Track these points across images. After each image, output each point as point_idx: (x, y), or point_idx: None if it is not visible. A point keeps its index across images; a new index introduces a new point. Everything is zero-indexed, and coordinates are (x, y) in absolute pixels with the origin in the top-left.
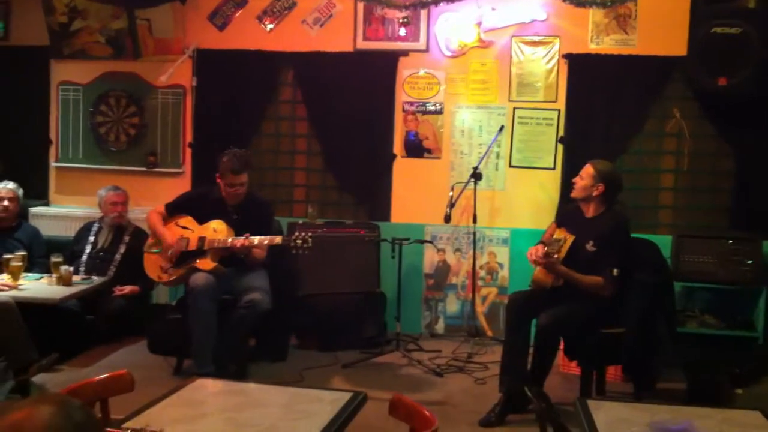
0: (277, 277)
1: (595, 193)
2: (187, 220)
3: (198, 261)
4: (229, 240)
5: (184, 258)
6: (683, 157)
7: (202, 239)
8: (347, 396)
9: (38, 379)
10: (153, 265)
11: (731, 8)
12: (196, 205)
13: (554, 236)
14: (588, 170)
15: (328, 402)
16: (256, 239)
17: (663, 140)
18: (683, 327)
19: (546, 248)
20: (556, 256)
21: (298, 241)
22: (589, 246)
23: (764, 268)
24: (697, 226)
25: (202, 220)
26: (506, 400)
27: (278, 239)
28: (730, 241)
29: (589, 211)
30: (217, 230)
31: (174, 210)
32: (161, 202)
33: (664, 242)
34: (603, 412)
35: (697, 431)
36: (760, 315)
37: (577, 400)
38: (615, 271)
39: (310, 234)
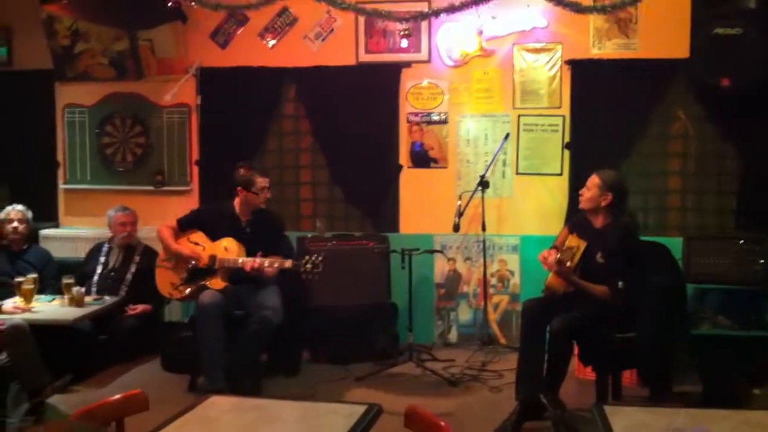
0: (288, 291)
1: (603, 203)
2: (199, 236)
3: (208, 280)
4: (240, 261)
5: (195, 275)
6: (689, 159)
7: (213, 258)
8: (362, 409)
9: (53, 400)
10: (165, 281)
11: (732, 9)
12: (208, 220)
13: (567, 243)
14: (594, 181)
15: (342, 416)
16: (266, 261)
17: (668, 142)
18: (697, 329)
19: (559, 255)
20: (569, 264)
21: (308, 266)
22: (599, 257)
23: None
24: (705, 227)
25: (214, 236)
26: (523, 409)
27: (288, 263)
28: (741, 242)
29: (598, 221)
30: (228, 249)
31: (186, 225)
32: (170, 220)
33: (673, 244)
34: (620, 417)
35: None
36: None
37: (594, 406)
38: (621, 284)
39: (320, 258)
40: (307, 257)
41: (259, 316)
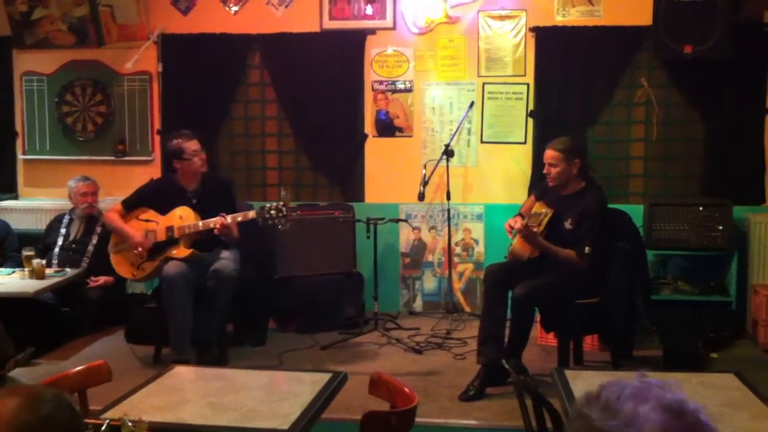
0: (254, 261)
1: (574, 171)
2: (149, 213)
3: (172, 250)
4: (200, 223)
5: (156, 250)
6: (652, 126)
7: (170, 228)
8: (327, 376)
9: (15, 373)
10: (123, 263)
11: None
12: (155, 196)
13: (534, 210)
14: (553, 155)
15: (308, 383)
16: (229, 217)
17: (632, 110)
18: (658, 294)
19: (526, 220)
20: (536, 229)
21: (272, 212)
22: (568, 224)
23: (735, 233)
24: (669, 194)
25: (163, 211)
26: (486, 373)
27: (252, 214)
28: (701, 208)
29: (567, 189)
30: (183, 217)
31: (132, 206)
32: (132, 191)
33: (636, 211)
34: (580, 381)
35: (652, 384)
36: (733, 280)
37: (555, 371)
38: (587, 249)
39: (282, 204)
40: (268, 204)
41: (211, 271)
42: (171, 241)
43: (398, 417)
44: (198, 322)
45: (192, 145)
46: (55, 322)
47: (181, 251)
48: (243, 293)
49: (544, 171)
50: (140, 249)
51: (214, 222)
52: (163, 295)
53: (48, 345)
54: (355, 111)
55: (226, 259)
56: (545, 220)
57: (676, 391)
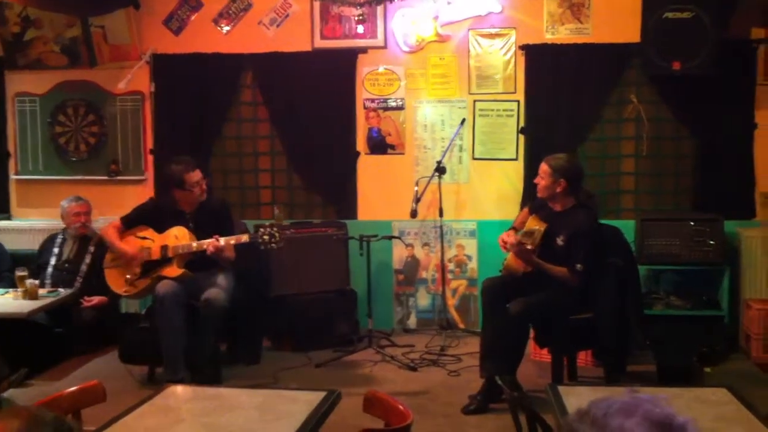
0: (248, 280)
1: (558, 190)
2: (146, 231)
3: (164, 269)
4: (194, 244)
5: (148, 268)
6: (642, 142)
7: (164, 247)
8: (321, 395)
9: (9, 394)
10: (116, 279)
11: None
12: (153, 215)
13: (527, 225)
14: (544, 169)
15: (302, 402)
16: (222, 240)
17: (622, 126)
18: (650, 309)
19: (520, 237)
20: (530, 246)
21: (266, 237)
22: (559, 240)
23: (727, 248)
24: (660, 209)
25: (160, 229)
26: (489, 387)
27: (245, 237)
28: (692, 223)
29: (557, 206)
30: (178, 236)
31: (131, 223)
32: (125, 211)
33: (627, 227)
34: (574, 397)
35: (642, 401)
36: (725, 294)
37: (549, 387)
38: (579, 267)
39: (276, 229)
40: (261, 228)
41: (203, 299)
42: (165, 260)
43: None
44: (189, 344)
45: (194, 176)
46: (48, 343)
47: (173, 270)
48: (237, 312)
49: (534, 180)
50: (134, 263)
51: (208, 243)
52: (157, 315)
53: (41, 365)
54: (347, 129)
55: (218, 288)
56: (538, 237)
57: (666, 406)
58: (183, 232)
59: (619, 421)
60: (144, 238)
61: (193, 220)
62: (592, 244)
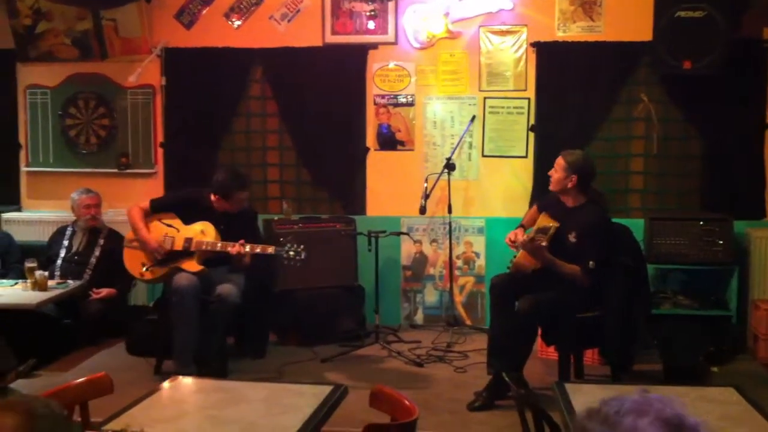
0: (256, 274)
1: (569, 185)
2: (173, 220)
3: (183, 262)
4: (219, 244)
5: (168, 258)
6: (652, 141)
7: (189, 240)
8: (328, 389)
9: (16, 385)
10: (134, 260)
11: None
12: (183, 207)
13: (538, 223)
14: (560, 162)
15: (309, 396)
16: (248, 247)
17: (632, 125)
18: (658, 308)
19: (532, 234)
20: (543, 243)
21: (291, 253)
22: (571, 237)
23: (736, 248)
24: (668, 208)
25: (187, 221)
26: (496, 383)
27: (271, 249)
28: (701, 223)
29: (569, 201)
30: (205, 232)
31: (161, 209)
32: (134, 204)
33: (636, 226)
34: (581, 394)
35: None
36: (733, 294)
37: (556, 384)
38: (591, 264)
39: (302, 247)
40: (288, 245)
41: (215, 295)
42: (186, 253)
43: (398, 430)
44: (200, 340)
45: (242, 195)
46: (56, 334)
47: (193, 265)
48: (244, 306)
49: (548, 173)
50: (155, 253)
51: (232, 246)
52: (173, 307)
53: (49, 357)
54: (357, 125)
55: (231, 284)
56: (551, 234)
57: (677, 406)
58: (209, 229)
59: (631, 420)
60: (169, 225)
61: (224, 221)
62: (604, 241)
